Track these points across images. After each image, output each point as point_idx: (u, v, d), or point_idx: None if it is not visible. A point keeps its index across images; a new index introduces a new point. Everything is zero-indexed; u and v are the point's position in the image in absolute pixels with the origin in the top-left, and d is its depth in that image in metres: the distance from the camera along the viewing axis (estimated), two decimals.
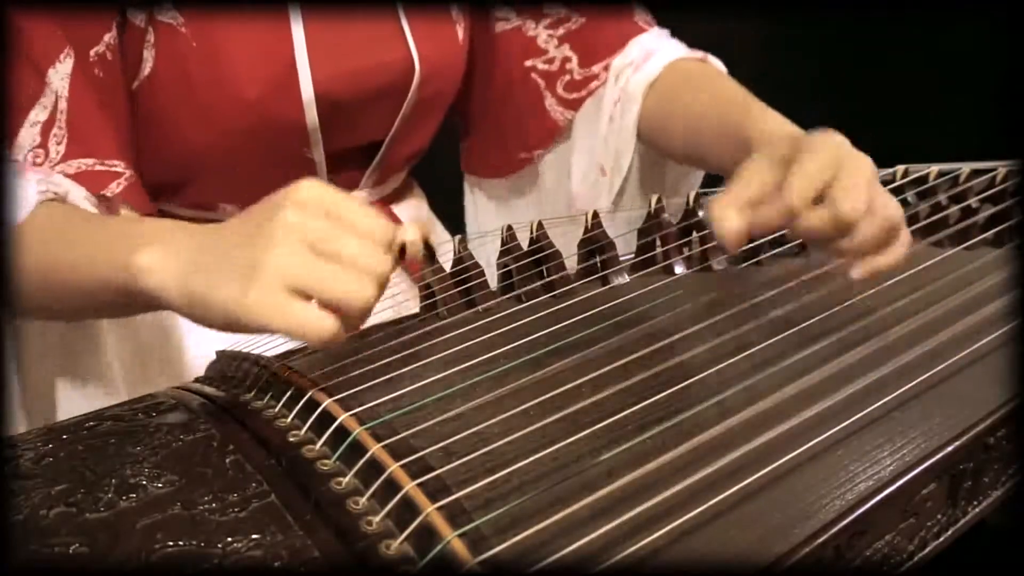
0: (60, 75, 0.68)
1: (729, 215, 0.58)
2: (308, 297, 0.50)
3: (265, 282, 0.50)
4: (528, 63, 0.90)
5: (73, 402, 0.73)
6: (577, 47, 0.89)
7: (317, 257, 0.50)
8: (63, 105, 0.68)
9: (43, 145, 0.67)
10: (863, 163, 0.60)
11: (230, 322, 0.51)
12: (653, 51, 0.88)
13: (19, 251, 0.62)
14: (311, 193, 0.52)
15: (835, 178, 0.58)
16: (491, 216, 1.00)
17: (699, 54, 0.89)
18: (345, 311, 0.51)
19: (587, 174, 0.91)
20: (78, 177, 0.68)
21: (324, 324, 0.50)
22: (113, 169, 0.70)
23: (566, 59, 0.89)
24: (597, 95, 0.89)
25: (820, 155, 0.58)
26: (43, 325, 0.72)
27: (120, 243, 0.57)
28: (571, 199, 0.92)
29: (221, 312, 0.51)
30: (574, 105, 0.90)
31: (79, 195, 0.68)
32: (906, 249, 0.61)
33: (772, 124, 0.73)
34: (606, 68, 0.88)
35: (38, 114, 0.67)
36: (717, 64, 0.89)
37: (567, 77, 0.89)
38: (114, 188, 0.69)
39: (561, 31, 0.89)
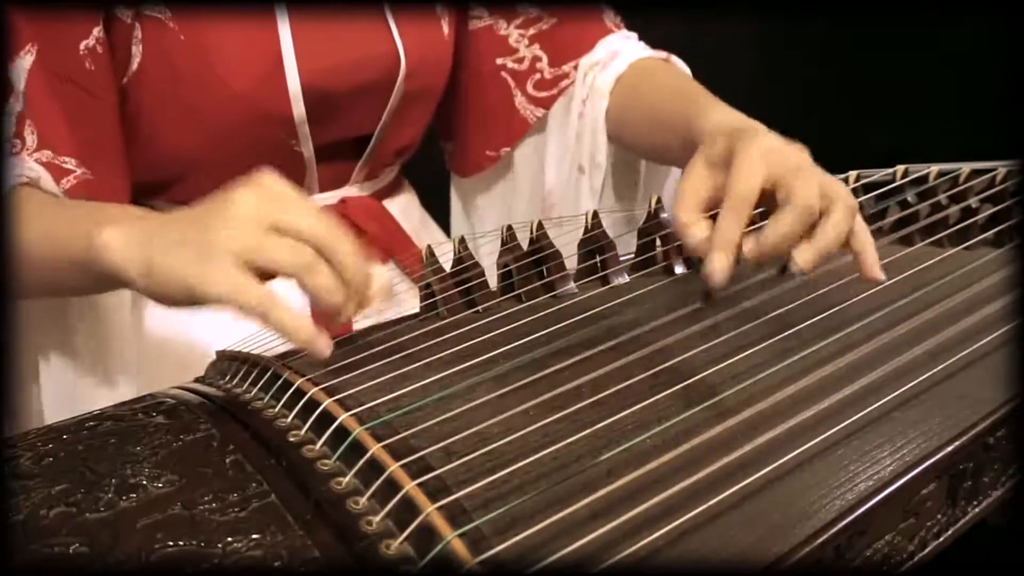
0: (18, 70, 0.69)
1: (693, 221, 0.62)
2: (264, 277, 0.55)
3: (217, 256, 0.54)
4: (498, 61, 0.91)
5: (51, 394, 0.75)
6: (547, 47, 0.90)
7: (264, 233, 0.55)
8: (22, 100, 0.70)
9: (19, 135, 0.69)
10: (799, 156, 0.62)
11: (185, 294, 0.55)
12: (619, 51, 0.89)
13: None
14: (266, 181, 0.57)
15: (774, 181, 0.61)
16: (470, 215, 1.00)
17: (663, 54, 0.90)
18: (291, 276, 0.55)
19: (561, 172, 0.92)
20: (47, 166, 0.70)
21: (262, 292, 0.54)
22: (64, 166, 0.71)
23: (536, 58, 0.90)
24: (568, 93, 0.90)
25: (751, 160, 0.61)
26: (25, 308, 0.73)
27: (85, 224, 0.61)
28: (544, 196, 0.92)
29: (176, 285, 0.56)
30: (545, 103, 0.91)
31: (50, 181, 0.70)
32: (842, 217, 0.61)
33: (716, 116, 0.73)
34: (575, 67, 0.90)
35: (14, 105, 0.69)
36: (680, 64, 0.91)
37: (537, 76, 0.90)
38: (64, 184, 0.70)
39: (532, 31, 0.90)
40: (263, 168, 0.58)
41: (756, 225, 0.62)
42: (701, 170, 0.64)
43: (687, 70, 0.90)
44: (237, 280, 0.54)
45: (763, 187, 0.61)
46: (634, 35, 0.92)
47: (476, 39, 0.91)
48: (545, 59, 0.90)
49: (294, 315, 0.55)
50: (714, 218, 0.63)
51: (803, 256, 0.60)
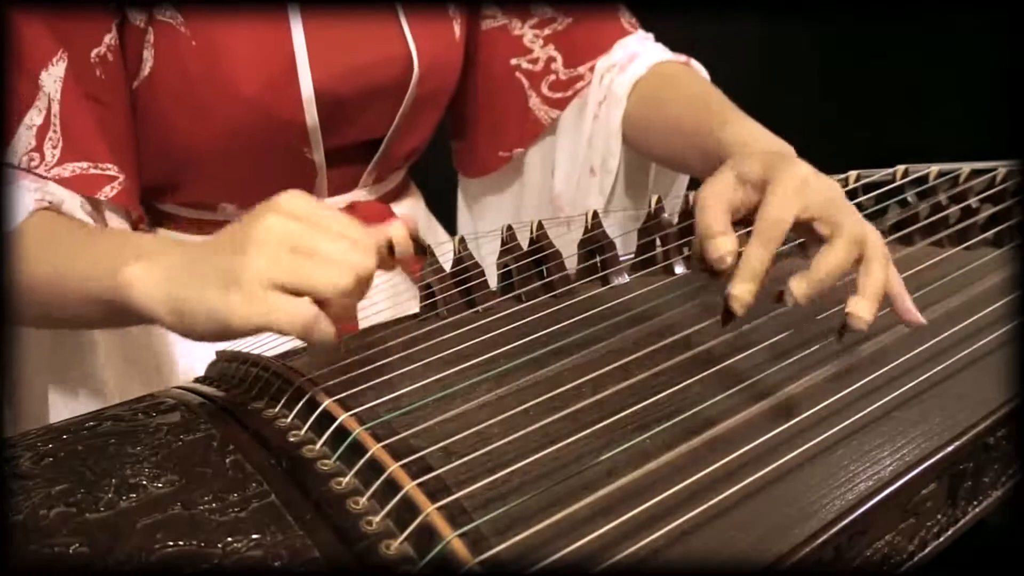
0: (53, 78, 0.68)
1: (722, 231, 0.60)
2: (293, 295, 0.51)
3: (246, 283, 0.51)
4: (513, 62, 0.90)
5: (63, 409, 0.74)
6: (562, 47, 0.90)
7: (294, 256, 0.51)
8: (56, 108, 0.68)
9: (38, 149, 0.67)
10: (833, 188, 0.61)
11: (216, 327, 0.52)
12: (637, 53, 0.89)
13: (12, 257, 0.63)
14: (290, 202, 0.53)
15: (812, 214, 0.59)
16: (477, 216, 1.00)
17: (682, 58, 0.90)
18: (323, 299, 0.52)
19: (571, 174, 0.91)
20: (73, 180, 0.68)
21: (303, 310, 0.51)
22: (107, 173, 0.70)
23: (551, 59, 0.90)
24: (583, 95, 0.90)
25: (787, 190, 0.59)
26: (35, 333, 0.72)
27: (108, 258, 0.58)
28: (553, 198, 0.92)
29: (206, 318, 0.52)
30: (559, 104, 0.90)
31: (74, 204, 0.68)
32: (884, 261, 0.60)
33: (745, 133, 0.72)
34: (591, 69, 0.89)
35: (33, 117, 0.67)
36: (700, 69, 0.90)
37: (552, 77, 0.90)
38: (108, 192, 0.70)
39: (547, 31, 0.89)
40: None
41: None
42: (730, 181, 0.62)
43: (706, 75, 0.89)
44: (271, 302, 0.51)
45: (796, 218, 0.59)
46: (651, 36, 0.91)
47: (489, 39, 0.91)
48: (560, 60, 0.89)
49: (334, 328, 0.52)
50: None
51: (855, 305, 0.58)
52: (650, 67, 0.87)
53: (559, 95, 0.90)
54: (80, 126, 0.69)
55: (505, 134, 0.93)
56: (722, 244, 0.59)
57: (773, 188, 0.60)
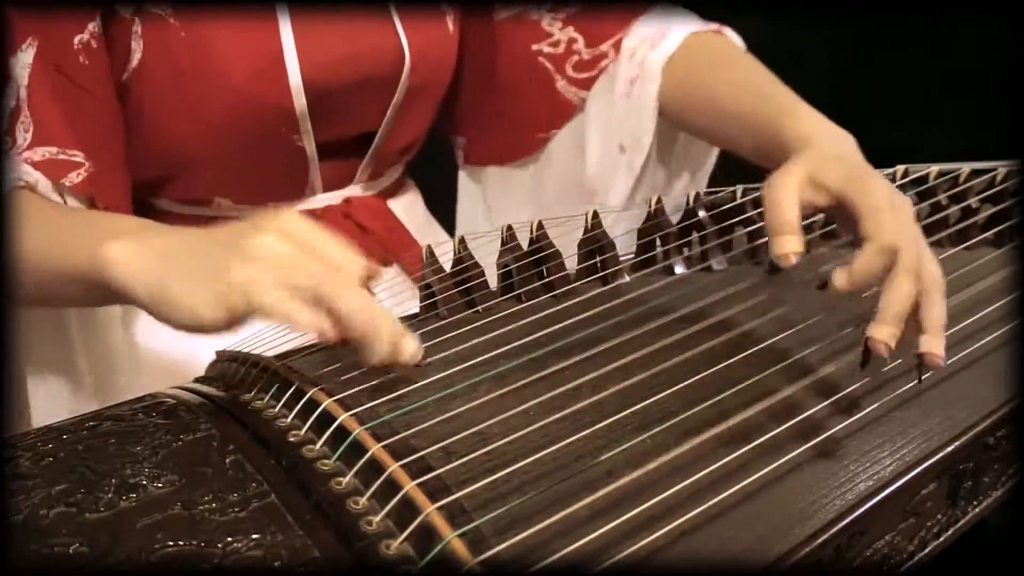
0: (20, 64, 0.68)
1: (792, 236, 0.60)
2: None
3: (233, 286, 0.53)
4: (535, 47, 0.90)
5: (42, 403, 0.74)
6: (581, 28, 0.89)
7: (280, 280, 0.53)
8: (23, 94, 0.68)
9: (11, 132, 0.68)
10: (908, 209, 0.62)
11: (192, 323, 0.54)
12: (667, 26, 0.88)
13: None
14: (293, 224, 0.55)
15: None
16: (493, 206, 0.99)
17: (714, 26, 0.89)
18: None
19: (604, 153, 0.91)
20: (41, 164, 0.69)
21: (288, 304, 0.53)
22: (73, 159, 0.70)
23: (572, 40, 0.89)
24: (609, 73, 0.89)
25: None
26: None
27: (91, 234, 0.59)
28: (585, 179, 0.92)
29: (190, 314, 0.54)
30: (586, 84, 0.90)
31: (47, 186, 0.69)
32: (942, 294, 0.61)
33: (807, 127, 0.72)
34: (615, 46, 0.89)
35: (8, 101, 0.68)
36: (734, 38, 0.89)
37: (575, 58, 0.90)
38: (73, 178, 0.70)
39: (563, 14, 0.89)
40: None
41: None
42: (801, 179, 0.62)
43: (741, 43, 0.88)
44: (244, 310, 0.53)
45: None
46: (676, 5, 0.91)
47: (506, 29, 0.91)
48: (581, 40, 0.89)
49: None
50: None
51: (930, 345, 0.59)
52: (683, 40, 0.86)
53: (585, 75, 0.90)
54: (47, 112, 0.69)
55: (537, 117, 0.92)
56: (788, 243, 0.59)
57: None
